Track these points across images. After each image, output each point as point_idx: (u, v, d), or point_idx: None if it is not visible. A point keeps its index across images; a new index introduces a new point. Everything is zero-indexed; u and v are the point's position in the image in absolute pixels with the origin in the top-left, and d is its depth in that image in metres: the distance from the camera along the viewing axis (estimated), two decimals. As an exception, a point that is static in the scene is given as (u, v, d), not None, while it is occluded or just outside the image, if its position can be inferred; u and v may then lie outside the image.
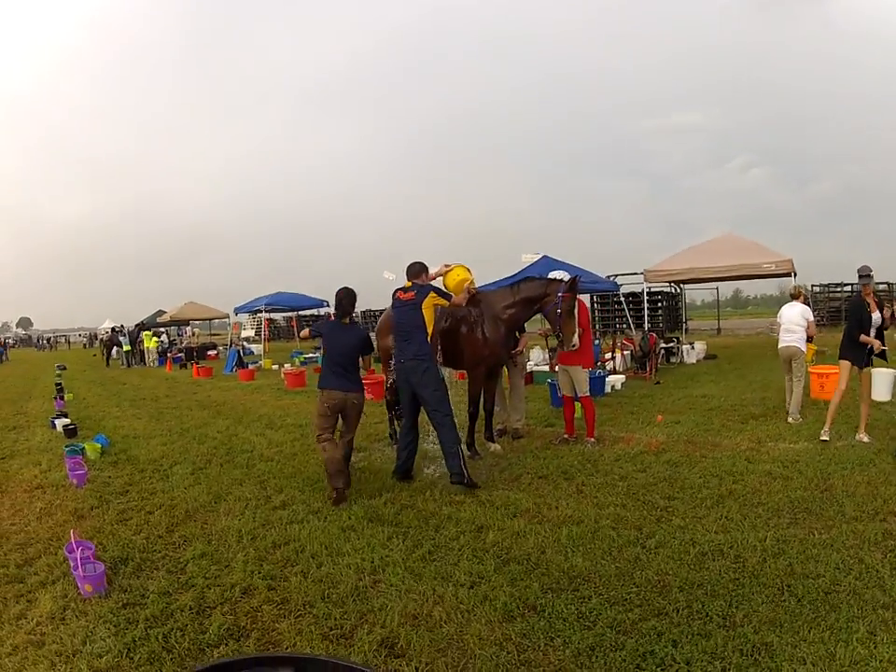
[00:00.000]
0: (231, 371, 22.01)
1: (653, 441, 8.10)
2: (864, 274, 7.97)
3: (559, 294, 7.77)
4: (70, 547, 4.56)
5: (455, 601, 3.98)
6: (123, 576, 4.61)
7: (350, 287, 6.92)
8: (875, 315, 7.98)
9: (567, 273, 9.29)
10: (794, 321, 9.91)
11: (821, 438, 7.85)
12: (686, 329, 25.76)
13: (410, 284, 6.91)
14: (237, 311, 29.96)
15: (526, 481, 6.58)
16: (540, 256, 16.88)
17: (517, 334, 8.84)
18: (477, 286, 8.36)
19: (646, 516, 5.37)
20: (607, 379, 13.39)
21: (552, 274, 9.04)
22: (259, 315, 32.92)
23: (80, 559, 4.36)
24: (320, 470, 7.05)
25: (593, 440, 8.22)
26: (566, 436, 8.44)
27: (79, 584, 4.30)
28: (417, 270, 7.08)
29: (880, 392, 7.31)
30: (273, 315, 39.92)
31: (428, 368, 6.54)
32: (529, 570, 4.40)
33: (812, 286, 32.29)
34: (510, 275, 16.28)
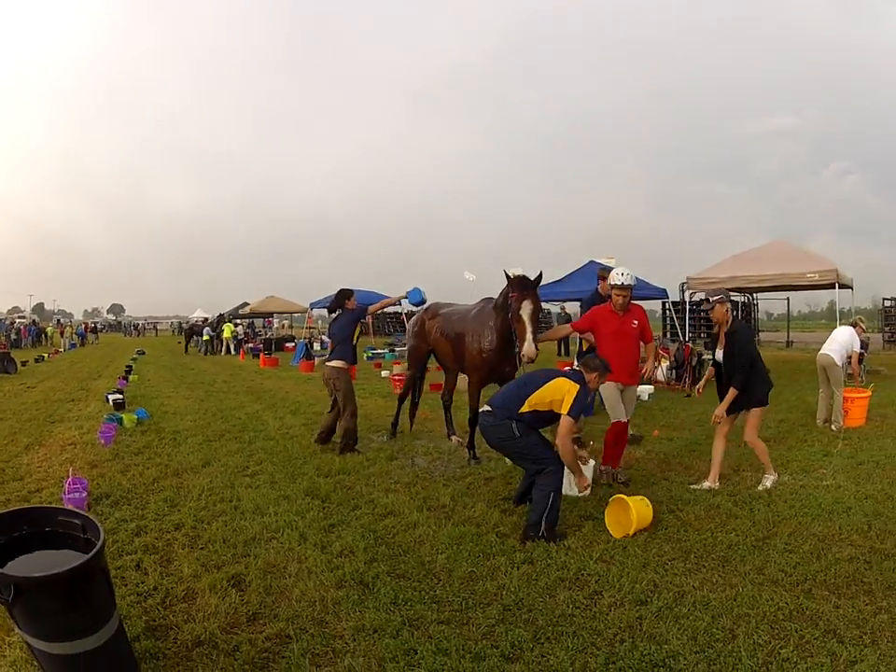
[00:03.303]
0: (298, 362, 22.70)
1: (628, 457, 7.58)
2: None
3: (510, 295, 6.89)
4: (67, 481, 5.92)
5: (311, 562, 4.58)
6: (102, 505, 5.94)
7: (344, 288, 8.47)
8: (719, 354, 6.77)
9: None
10: (838, 338, 9.79)
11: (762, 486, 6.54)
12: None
13: None
14: (312, 306, 30.83)
15: (469, 481, 6.73)
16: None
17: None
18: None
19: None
20: (630, 390, 12.78)
21: (513, 272, 7.29)
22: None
23: (70, 488, 5.76)
24: (305, 452, 8.18)
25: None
26: (621, 477, 6.87)
27: (65, 505, 5.56)
28: None
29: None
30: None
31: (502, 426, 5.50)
32: (393, 555, 4.74)
33: (884, 299, 31.59)
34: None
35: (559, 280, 17.57)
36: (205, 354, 32.67)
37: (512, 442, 5.46)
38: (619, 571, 4.48)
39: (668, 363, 15.89)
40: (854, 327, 10.20)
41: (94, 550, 2.78)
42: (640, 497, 5.46)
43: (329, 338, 8.61)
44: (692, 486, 6.58)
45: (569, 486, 6.01)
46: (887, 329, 31.47)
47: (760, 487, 6.48)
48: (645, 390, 13.12)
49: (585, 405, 5.56)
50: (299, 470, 7.24)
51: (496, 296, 7.41)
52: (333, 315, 8.76)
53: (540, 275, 7.05)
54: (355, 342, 8.31)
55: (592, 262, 17.07)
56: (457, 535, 5.12)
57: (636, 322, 6.93)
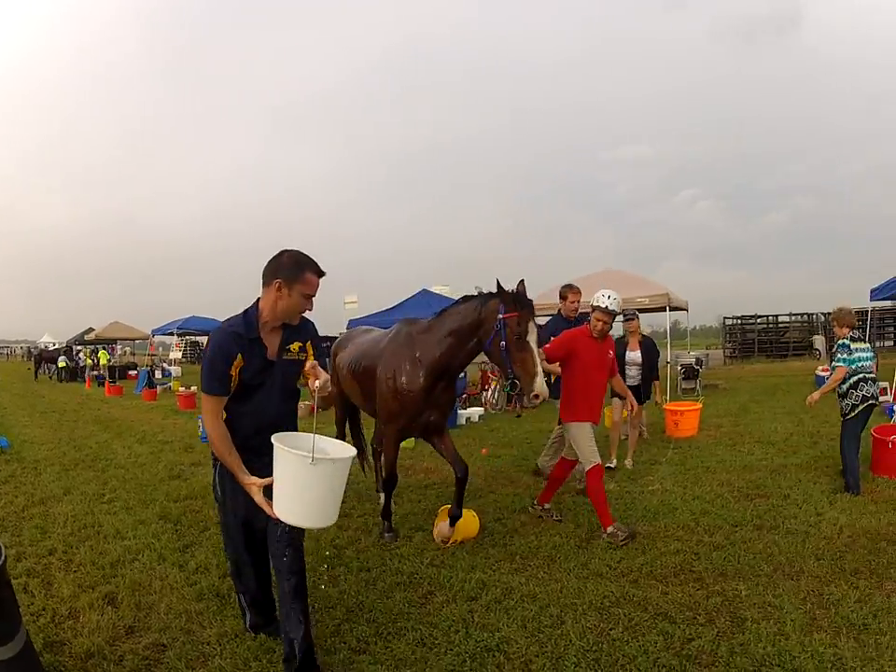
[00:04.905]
0: (141, 391, 21.54)
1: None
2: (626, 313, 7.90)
3: (500, 316, 4.52)
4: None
5: (172, 580, 4.60)
6: (-21, 534, 5.65)
7: None
8: (632, 354, 7.88)
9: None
10: None
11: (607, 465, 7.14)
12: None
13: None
14: (154, 333, 28.91)
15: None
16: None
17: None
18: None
19: (374, 543, 5.35)
20: (461, 412, 12.44)
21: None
22: (185, 337, 32.40)
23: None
24: (154, 479, 8.06)
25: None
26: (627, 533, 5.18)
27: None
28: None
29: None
30: (201, 339, 37.12)
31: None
32: None
33: (725, 318, 32.01)
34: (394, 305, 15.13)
35: (391, 308, 15.46)
36: (61, 381, 30.36)
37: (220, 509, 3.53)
38: (449, 573, 4.52)
39: (498, 386, 14.53)
40: None
41: (2, 559, 2.84)
42: (468, 509, 5.33)
43: None
44: (607, 465, 7.12)
45: None
46: (728, 345, 31.56)
47: (628, 464, 7.57)
48: (474, 412, 12.95)
49: (218, 359, 3.09)
50: (150, 496, 7.20)
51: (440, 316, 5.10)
52: None
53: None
54: None
55: (424, 290, 15.88)
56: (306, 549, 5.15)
57: (611, 352, 5.69)
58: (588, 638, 3.53)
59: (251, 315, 3.18)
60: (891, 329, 26.48)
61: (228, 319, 3.26)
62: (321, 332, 3.55)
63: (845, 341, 6.61)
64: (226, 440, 3.08)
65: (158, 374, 26.39)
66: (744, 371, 23.61)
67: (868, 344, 6.94)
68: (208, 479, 6.98)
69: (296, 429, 3.27)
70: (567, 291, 6.90)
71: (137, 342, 39.89)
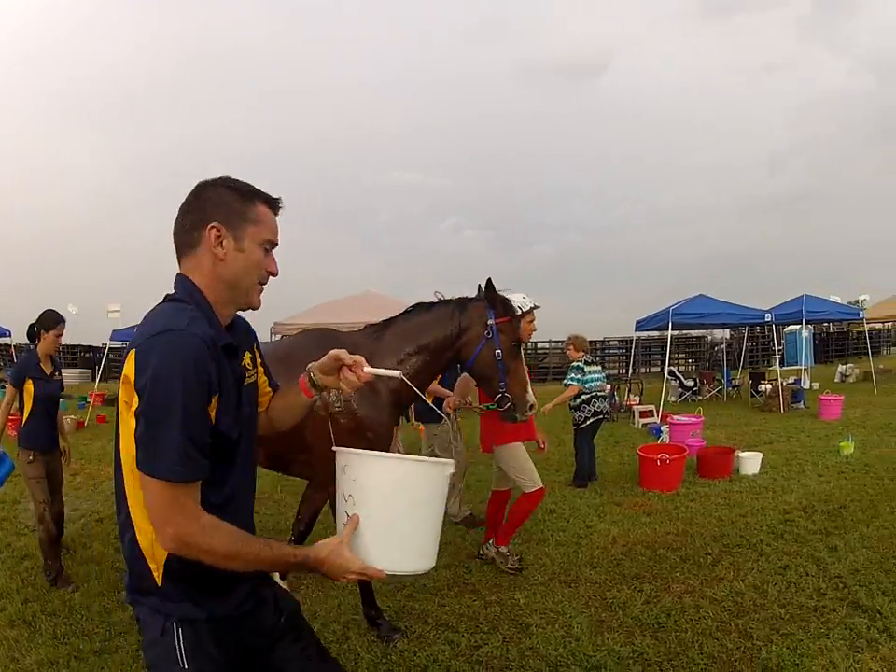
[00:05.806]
0: None
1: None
2: None
3: (490, 323, 3.46)
4: None
5: (15, 613, 4.01)
6: None
7: (50, 310, 4.48)
8: None
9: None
10: None
11: None
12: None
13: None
14: None
15: (83, 522, 5.95)
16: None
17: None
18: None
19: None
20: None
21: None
22: (-65, 343, 29.68)
23: None
24: None
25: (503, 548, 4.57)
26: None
27: None
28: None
29: None
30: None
31: None
32: (39, 596, 4.29)
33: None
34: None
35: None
36: None
37: None
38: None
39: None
40: None
41: None
42: None
43: None
44: None
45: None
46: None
47: None
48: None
49: (195, 397, 1.28)
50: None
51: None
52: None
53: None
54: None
55: None
56: (84, 573, 4.62)
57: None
58: (376, 651, 3.34)
59: (201, 299, 1.46)
60: (657, 356, 26.41)
61: (171, 315, 1.39)
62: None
63: (579, 363, 6.93)
64: (237, 534, 1.37)
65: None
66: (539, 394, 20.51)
67: (599, 367, 7.44)
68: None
69: (252, 511, 1.72)
70: None
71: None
